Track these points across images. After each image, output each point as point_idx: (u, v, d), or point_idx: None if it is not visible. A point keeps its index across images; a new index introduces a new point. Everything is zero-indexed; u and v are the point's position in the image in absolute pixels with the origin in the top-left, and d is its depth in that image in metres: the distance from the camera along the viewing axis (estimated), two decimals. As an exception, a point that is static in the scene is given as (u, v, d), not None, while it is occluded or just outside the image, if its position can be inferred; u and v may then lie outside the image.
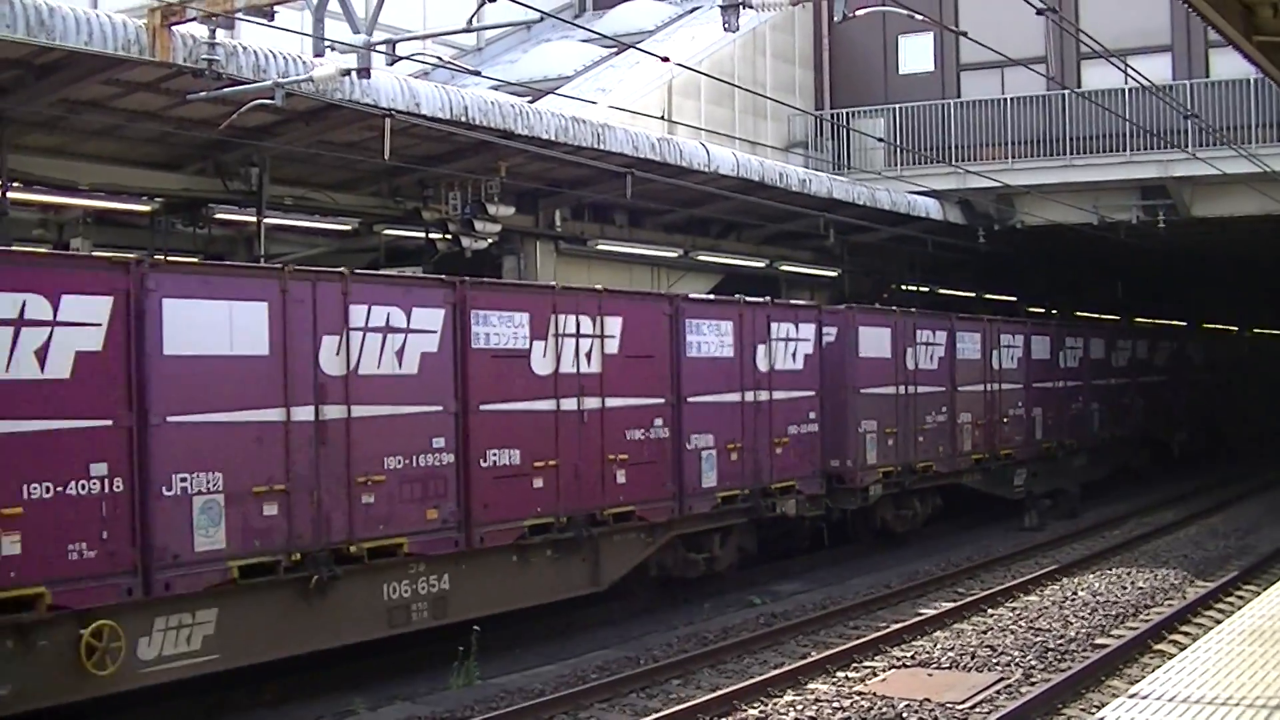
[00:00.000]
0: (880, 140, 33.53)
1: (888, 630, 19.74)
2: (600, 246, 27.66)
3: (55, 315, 13.31)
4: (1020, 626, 20.11)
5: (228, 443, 14.86)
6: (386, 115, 19.21)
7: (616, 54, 34.75)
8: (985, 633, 19.77)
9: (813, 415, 24.84)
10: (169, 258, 16.39)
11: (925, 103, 35.76)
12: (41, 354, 13.17)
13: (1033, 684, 16.58)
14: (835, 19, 30.88)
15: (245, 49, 17.22)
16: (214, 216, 21.21)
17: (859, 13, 15.91)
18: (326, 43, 17.80)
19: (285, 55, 17.75)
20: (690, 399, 21.82)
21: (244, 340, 15.10)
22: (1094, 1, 35.48)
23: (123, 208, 20.47)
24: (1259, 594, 19.46)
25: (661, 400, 21.29)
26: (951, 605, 21.68)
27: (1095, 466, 38.57)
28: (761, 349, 23.57)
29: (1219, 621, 19.06)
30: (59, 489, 13.22)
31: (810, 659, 17.94)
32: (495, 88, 25.06)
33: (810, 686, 16.78)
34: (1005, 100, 34.71)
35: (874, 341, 27.21)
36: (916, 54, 38.09)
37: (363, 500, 16.32)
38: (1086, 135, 33.28)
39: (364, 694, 16.68)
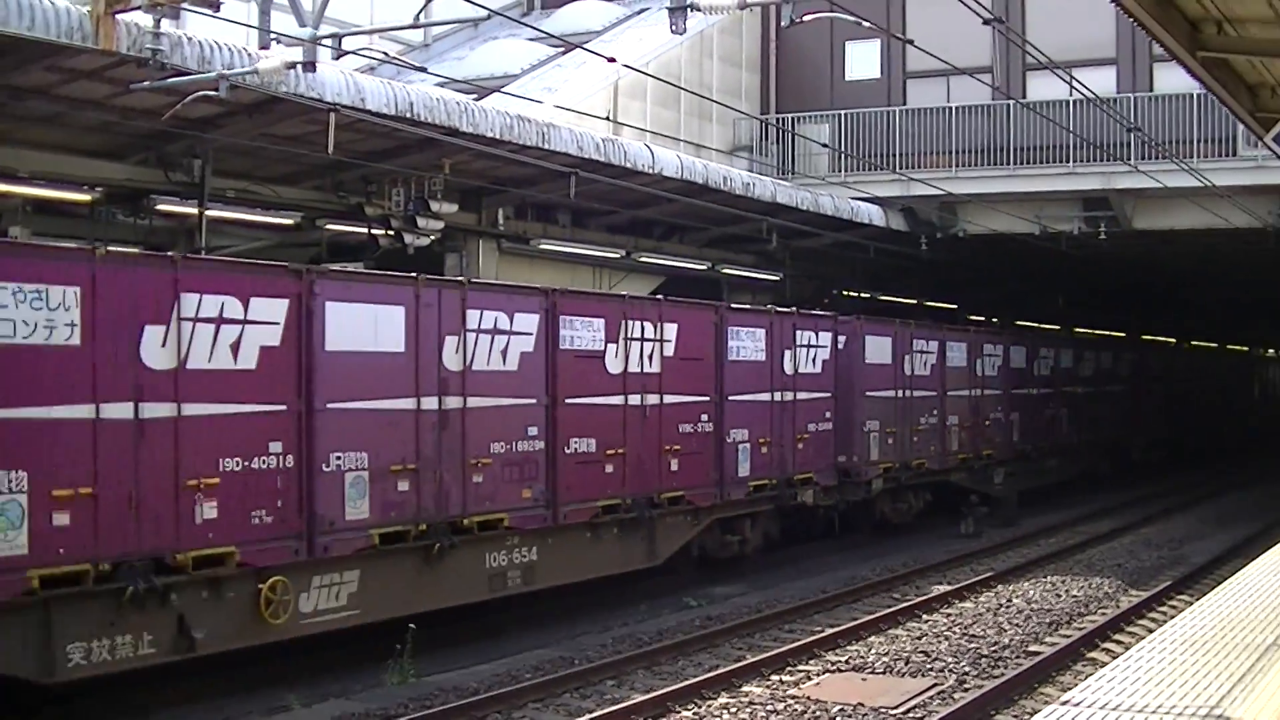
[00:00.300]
0: (825, 146, 33.69)
1: (822, 634, 19.85)
2: (543, 246, 27.64)
3: (246, 315, 15.86)
4: (955, 633, 20.24)
5: (371, 427, 17.50)
6: (331, 110, 19.13)
7: (563, 53, 34.73)
8: (920, 638, 19.89)
9: (828, 415, 27.76)
10: (331, 267, 18.82)
11: (871, 110, 35.88)
12: (235, 348, 15.72)
13: (966, 690, 16.70)
14: (783, 24, 31.18)
15: (190, 39, 17.10)
16: (155, 208, 21.04)
17: (806, 18, 16.04)
18: (272, 35, 17.78)
19: (230, 47, 17.63)
20: (731, 397, 24.64)
21: (386, 339, 17.82)
22: (1040, 13, 35.73)
23: (63, 197, 20.29)
24: (1191, 604, 19.60)
25: (707, 398, 24.17)
26: (887, 610, 21.80)
27: (1065, 468, 41.21)
28: (788, 354, 26.54)
29: (1152, 631, 19.22)
30: (246, 463, 15.71)
31: (745, 662, 18.03)
32: (441, 84, 24.93)
33: (745, 689, 16.85)
34: (950, 109, 34.90)
35: (877, 349, 29.92)
36: (863, 61, 38.23)
37: (474, 480, 18.99)
38: (1030, 146, 33.48)
39: (298, 691, 16.64)
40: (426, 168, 23.14)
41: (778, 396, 25.96)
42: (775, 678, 17.54)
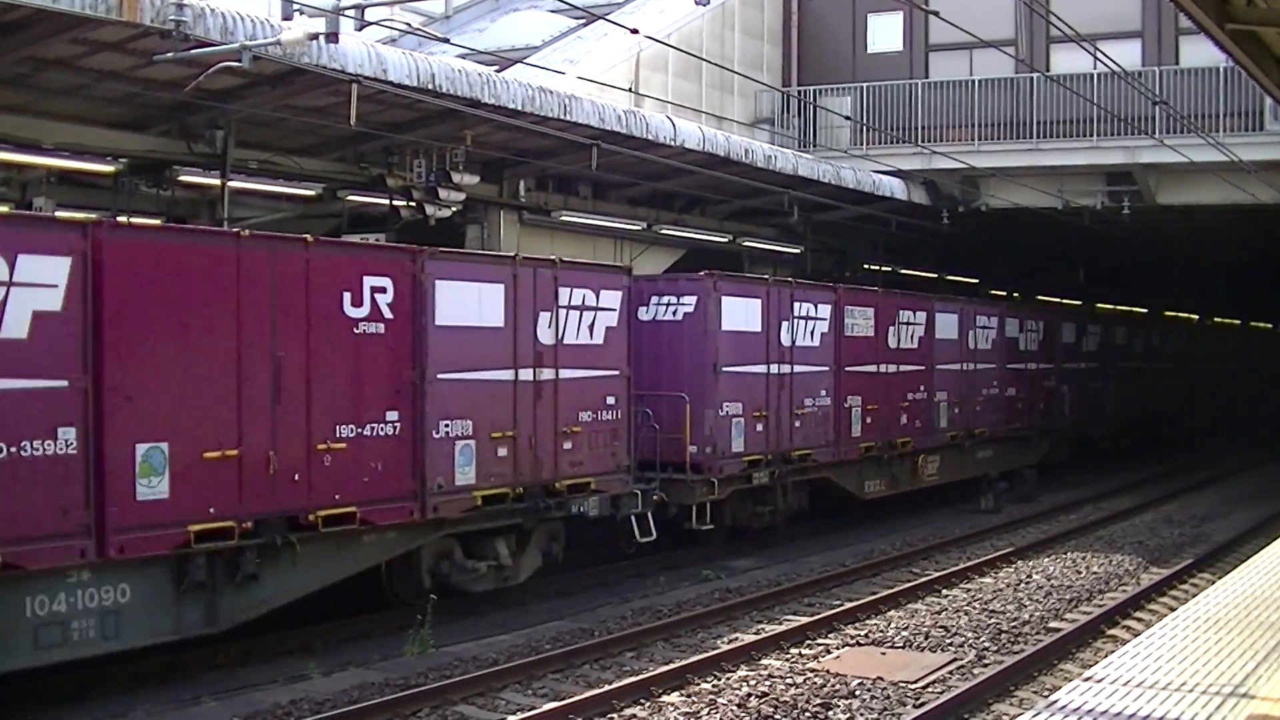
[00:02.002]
0: (847, 119, 33.61)
1: (842, 609, 19.90)
2: (564, 218, 27.68)
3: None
4: (974, 608, 20.28)
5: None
6: (353, 81, 19.18)
7: (585, 25, 34.71)
8: (939, 613, 19.94)
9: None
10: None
11: (893, 82, 35.84)
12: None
13: (985, 665, 16.74)
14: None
15: (213, 11, 17.15)
16: (178, 179, 21.13)
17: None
18: (295, 6, 17.82)
19: (253, 18, 17.68)
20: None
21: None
22: (1065, -15, 35.63)
23: (87, 168, 20.37)
24: (1213, 582, 19.66)
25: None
26: (906, 585, 21.85)
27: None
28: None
29: (1173, 608, 19.30)
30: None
31: (764, 635, 18.11)
32: (463, 56, 25.02)
33: (764, 662, 16.92)
34: (973, 82, 34.80)
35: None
36: (886, 33, 38.16)
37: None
38: (1054, 119, 33.41)
39: (318, 659, 16.75)
40: (448, 139, 23.17)
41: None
42: (794, 651, 17.61)
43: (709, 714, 14.49)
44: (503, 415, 19.34)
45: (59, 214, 17.24)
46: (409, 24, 23.27)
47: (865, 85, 36.06)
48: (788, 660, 17.07)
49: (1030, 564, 24.31)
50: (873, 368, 29.22)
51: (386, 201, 23.96)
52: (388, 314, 17.51)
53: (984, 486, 33.22)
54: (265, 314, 16.06)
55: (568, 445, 20.46)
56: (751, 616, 19.94)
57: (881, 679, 16.00)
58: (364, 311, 17.25)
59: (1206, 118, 31.29)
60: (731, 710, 14.59)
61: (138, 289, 14.77)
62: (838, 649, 17.68)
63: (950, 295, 36.11)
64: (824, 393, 27.31)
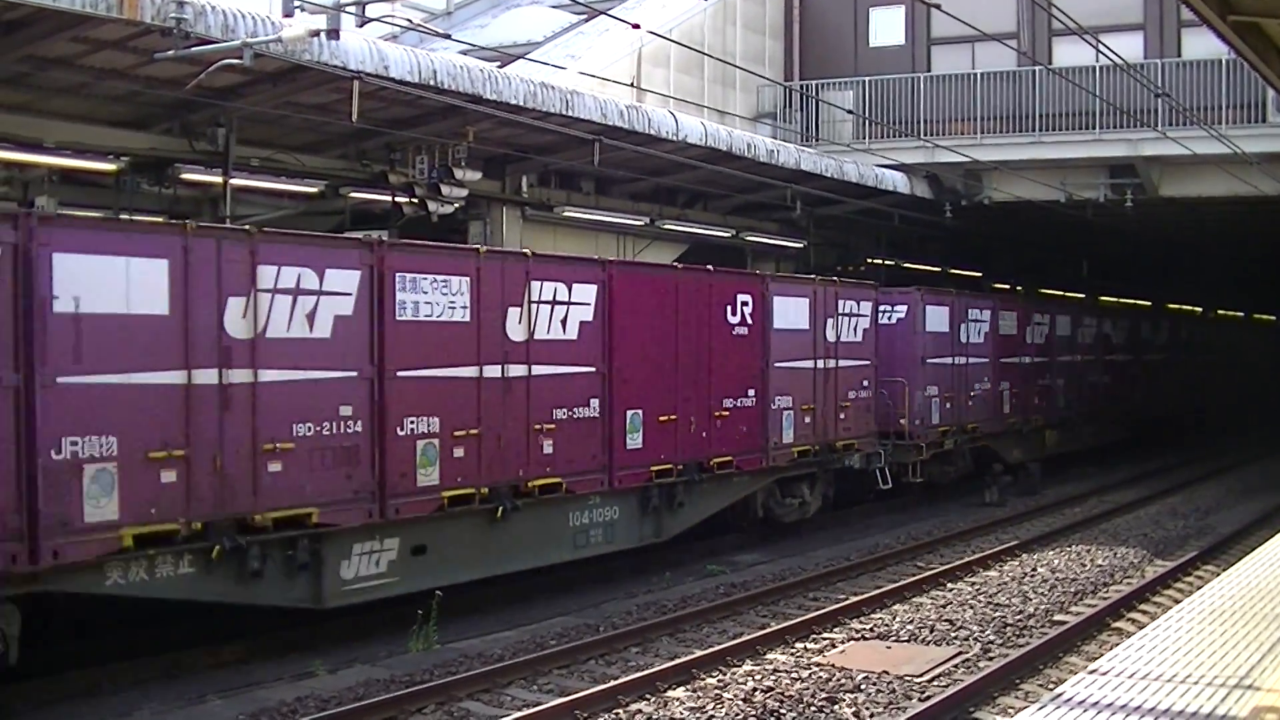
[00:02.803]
0: (849, 113, 33.57)
1: (846, 602, 19.91)
2: (567, 213, 27.69)
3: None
4: (979, 601, 20.29)
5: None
6: (355, 78, 19.18)
7: (587, 20, 34.71)
8: (944, 607, 19.95)
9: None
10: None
11: (895, 76, 35.80)
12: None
13: (991, 659, 16.75)
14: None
15: (214, 8, 17.14)
16: (180, 177, 21.13)
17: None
18: (296, 3, 17.84)
19: (254, 15, 17.68)
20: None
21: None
22: (1066, -23, 35.55)
23: (88, 166, 20.37)
24: (1218, 574, 19.66)
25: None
26: (911, 579, 21.86)
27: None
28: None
29: (1178, 601, 19.30)
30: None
31: (769, 629, 18.09)
32: (465, 52, 24.97)
33: (769, 657, 16.92)
34: (976, 75, 34.78)
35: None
36: (887, 26, 38.15)
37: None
38: (1056, 112, 33.38)
39: (323, 656, 16.77)
40: (450, 135, 23.18)
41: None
42: (800, 645, 17.61)
43: (715, 709, 14.50)
44: (806, 392, 25.92)
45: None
46: (410, 20, 23.29)
47: (867, 79, 36.02)
48: (793, 655, 17.07)
49: (1035, 557, 24.31)
50: (1017, 359, 36.58)
51: (389, 198, 23.97)
52: (749, 321, 24.31)
53: (988, 480, 33.28)
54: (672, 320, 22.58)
55: (843, 416, 27.05)
56: (756, 611, 19.97)
57: (887, 673, 16.02)
58: (737, 319, 24.05)
59: (1209, 110, 31.26)
60: (737, 705, 14.60)
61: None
62: (843, 643, 17.68)
63: (1066, 301, 44.35)
64: (986, 380, 34.41)
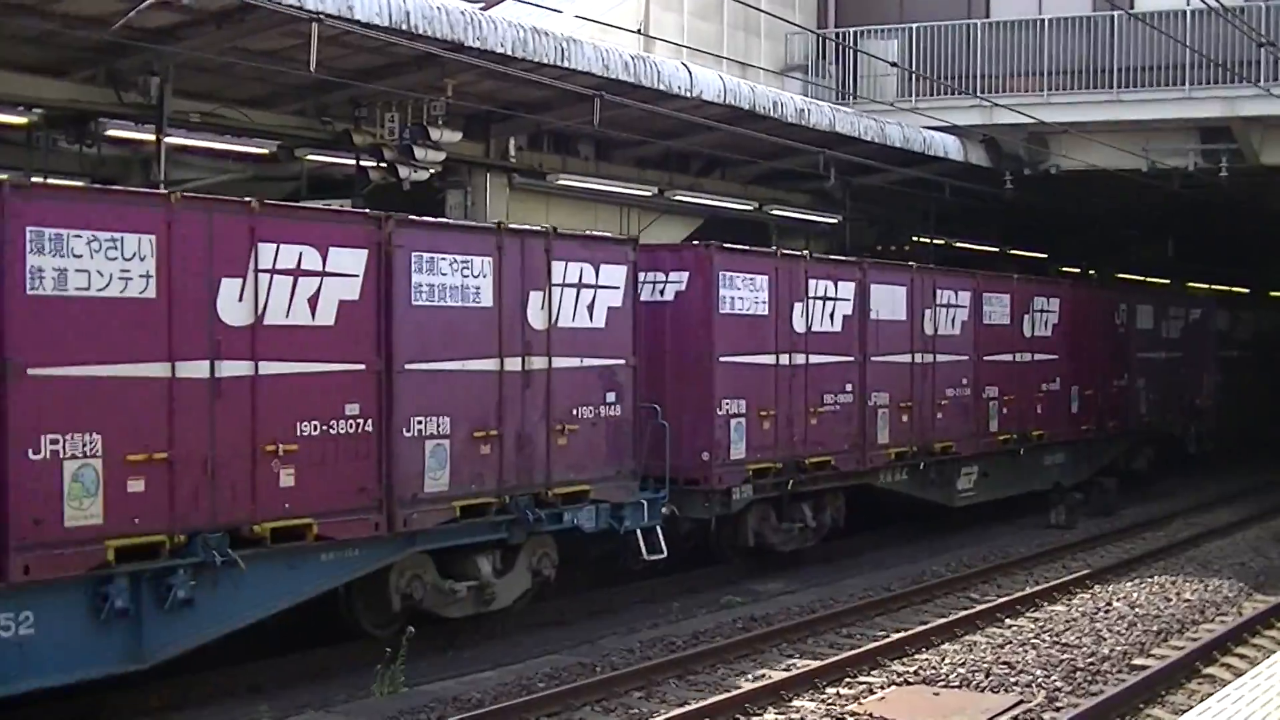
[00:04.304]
0: (893, 66, 33.42)
1: (887, 640, 19.86)
2: (561, 182, 27.66)
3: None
4: (1043, 641, 20.23)
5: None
6: (314, 20, 19.03)
7: (586, -45, 34.66)
8: (1002, 647, 19.89)
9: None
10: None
11: (948, 23, 35.61)
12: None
13: (1058, 709, 16.68)
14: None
15: (147, -66, 17.09)
16: (105, 134, 21.04)
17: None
18: (245, -70, 17.70)
19: (195, -56, 17.65)
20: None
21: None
22: (1152, -94, 35.42)
23: (-6, 119, 20.36)
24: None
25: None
26: (963, 613, 21.82)
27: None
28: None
29: (1280, 642, 19.20)
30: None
31: (796, 671, 18.04)
32: (443, -9, 24.95)
33: (795, 703, 16.87)
34: (1043, 21, 34.60)
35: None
36: (940, -36, 38.04)
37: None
38: (1138, 66, 33.13)
39: (270, 700, 16.72)
40: (425, 89, 23.11)
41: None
42: (831, 690, 17.55)
43: (730, 765, 14.44)
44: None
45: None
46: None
47: (915, 26, 35.80)
48: (823, 701, 17.01)
49: (1110, 589, 24.25)
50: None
51: (353, 162, 23.92)
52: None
53: (1054, 498, 33.18)
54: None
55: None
56: (780, 649, 19.91)
57: (934, 724, 15.96)
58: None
59: (1322, 61, 31.11)
60: (757, 760, 14.54)
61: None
62: (882, 688, 17.62)
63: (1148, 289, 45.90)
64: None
